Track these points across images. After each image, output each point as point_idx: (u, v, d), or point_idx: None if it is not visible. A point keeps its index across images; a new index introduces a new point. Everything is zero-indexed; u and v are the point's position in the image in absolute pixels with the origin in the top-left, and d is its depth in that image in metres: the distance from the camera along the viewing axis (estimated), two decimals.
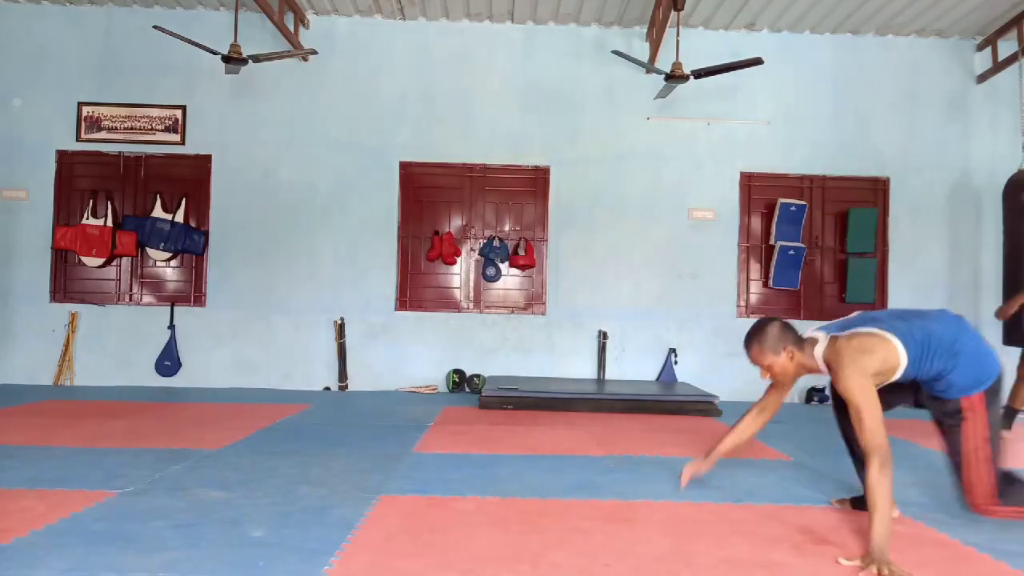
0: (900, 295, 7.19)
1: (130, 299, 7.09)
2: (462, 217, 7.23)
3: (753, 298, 7.21)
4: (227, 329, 7.07)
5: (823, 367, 2.85)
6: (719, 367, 7.07)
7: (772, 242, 7.10)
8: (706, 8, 6.86)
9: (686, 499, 3.22)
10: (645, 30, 7.24)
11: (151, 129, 7.12)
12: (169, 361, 6.98)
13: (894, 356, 2.74)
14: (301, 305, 7.10)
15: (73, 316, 6.99)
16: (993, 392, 2.81)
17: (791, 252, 7.00)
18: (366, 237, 7.14)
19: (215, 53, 6.07)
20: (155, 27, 6.02)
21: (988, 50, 7.20)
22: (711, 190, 7.24)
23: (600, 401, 6.00)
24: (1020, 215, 6.45)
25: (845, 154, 7.26)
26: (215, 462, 3.74)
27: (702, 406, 5.96)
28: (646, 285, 7.20)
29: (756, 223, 7.27)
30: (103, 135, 7.11)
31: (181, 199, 7.08)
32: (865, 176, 7.27)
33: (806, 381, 7.07)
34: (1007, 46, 7.03)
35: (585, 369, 7.10)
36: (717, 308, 7.16)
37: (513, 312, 7.19)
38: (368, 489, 3.26)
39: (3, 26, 7.13)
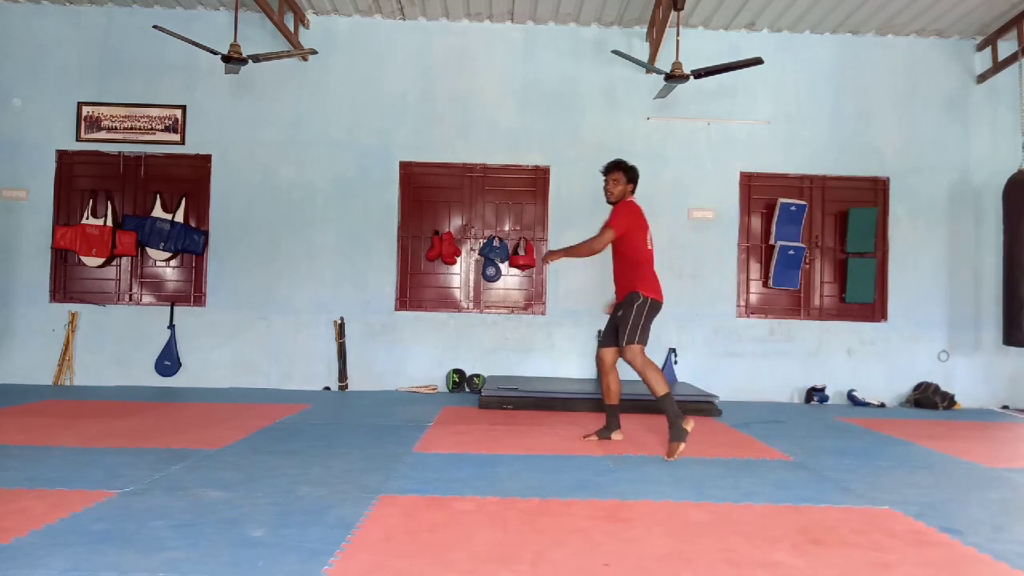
0: (900, 295, 7.19)
1: (130, 299, 7.08)
2: (462, 217, 7.22)
3: (753, 298, 7.21)
4: (227, 329, 7.07)
5: None
6: (719, 367, 7.07)
7: (772, 242, 7.10)
8: (706, 8, 6.86)
9: (686, 499, 3.22)
10: (645, 30, 7.24)
11: (151, 129, 7.12)
12: (169, 361, 6.98)
13: None
14: (301, 305, 7.10)
15: (73, 316, 6.99)
16: None
17: (791, 252, 7.00)
18: (366, 237, 7.14)
19: (215, 53, 6.07)
20: (155, 27, 6.02)
21: (988, 50, 7.19)
22: (711, 190, 7.23)
23: (600, 401, 5.96)
24: (1021, 215, 6.46)
25: (845, 154, 7.26)
26: (215, 462, 3.74)
27: (702, 406, 5.96)
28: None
29: (756, 223, 7.27)
30: (103, 135, 7.11)
31: (181, 199, 7.08)
32: (865, 176, 7.27)
33: (805, 381, 7.08)
34: (1007, 46, 7.03)
35: (585, 369, 7.10)
36: (717, 308, 7.16)
37: (513, 312, 7.19)
38: (368, 489, 3.26)
39: (3, 26, 7.13)
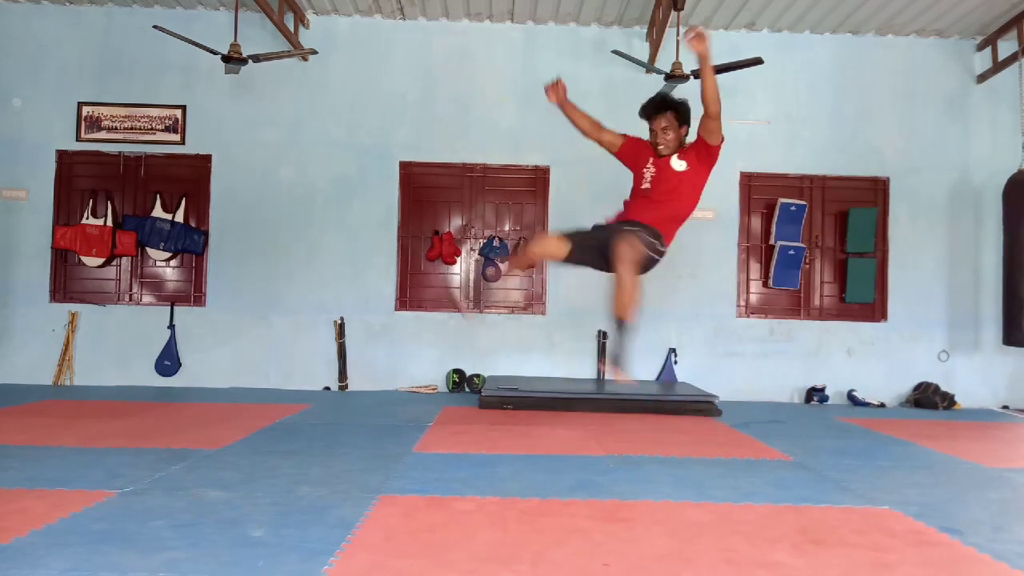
0: (900, 295, 7.19)
1: (130, 299, 7.08)
2: (462, 217, 7.22)
3: (753, 298, 7.21)
4: (227, 329, 7.07)
5: None
6: (719, 367, 7.06)
7: (772, 242, 7.10)
8: (706, 8, 6.86)
9: (686, 499, 3.22)
10: (645, 30, 7.24)
11: (151, 129, 7.12)
12: (169, 361, 6.98)
13: None
14: (301, 305, 7.10)
15: (73, 316, 6.99)
16: None
17: (791, 252, 7.00)
18: (366, 237, 7.14)
19: (215, 53, 6.07)
20: (155, 27, 6.02)
21: (988, 50, 7.19)
22: (711, 190, 7.08)
23: (600, 401, 5.99)
24: (1021, 215, 6.46)
25: (845, 154, 7.26)
26: (215, 462, 3.74)
27: (702, 406, 5.96)
28: (646, 285, 7.14)
29: (756, 223, 7.27)
30: (103, 135, 7.11)
31: (181, 199, 7.08)
32: (865, 176, 7.27)
33: (805, 381, 7.07)
34: (1007, 46, 7.02)
35: (585, 369, 7.10)
36: (717, 308, 7.16)
37: (513, 312, 7.19)
38: (368, 489, 3.26)
39: (3, 26, 7.12)
